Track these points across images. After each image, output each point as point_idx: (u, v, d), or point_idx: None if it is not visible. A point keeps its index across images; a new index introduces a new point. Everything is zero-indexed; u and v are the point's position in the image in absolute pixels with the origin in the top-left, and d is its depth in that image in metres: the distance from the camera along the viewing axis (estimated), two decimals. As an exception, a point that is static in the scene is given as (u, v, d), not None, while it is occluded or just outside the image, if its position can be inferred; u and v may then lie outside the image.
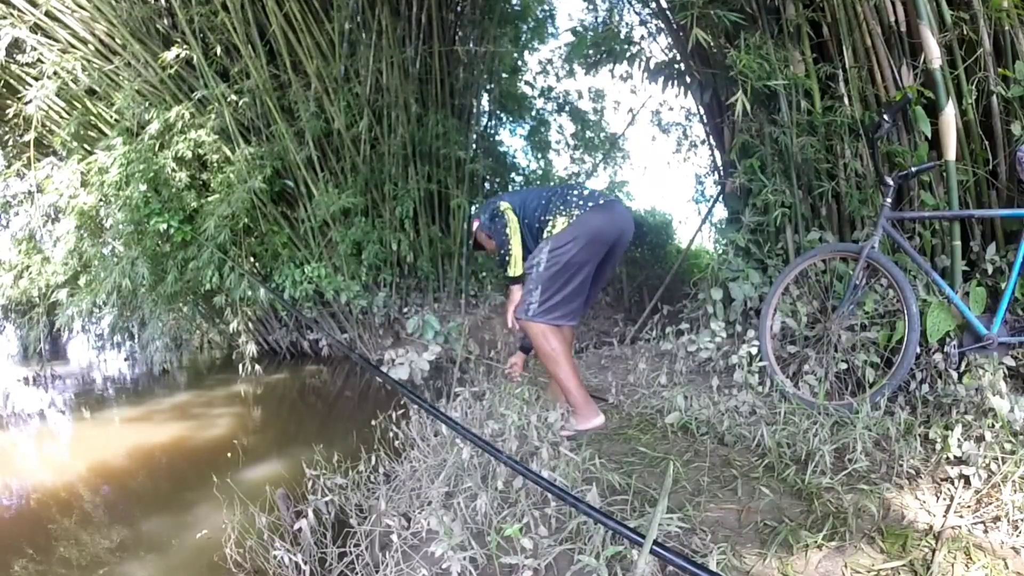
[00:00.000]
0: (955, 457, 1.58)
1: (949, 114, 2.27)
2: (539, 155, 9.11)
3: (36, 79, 4.85)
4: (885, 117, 2.23)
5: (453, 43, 5.96)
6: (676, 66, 3.92)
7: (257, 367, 4.65)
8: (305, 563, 1.58)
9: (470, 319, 5.29)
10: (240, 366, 4.60)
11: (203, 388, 5.07)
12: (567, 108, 9.31)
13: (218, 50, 4.80)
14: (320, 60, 4.97)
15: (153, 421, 3.83)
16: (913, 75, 2.61)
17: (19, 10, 4.61)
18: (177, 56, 4.55)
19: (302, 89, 4.98)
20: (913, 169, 2.27)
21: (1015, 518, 1.29)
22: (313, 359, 5.93)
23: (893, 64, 2.68)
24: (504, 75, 7.59)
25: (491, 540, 1.35)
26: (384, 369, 2.98)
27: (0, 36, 4.50)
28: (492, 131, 7.74)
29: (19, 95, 4.92)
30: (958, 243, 2.29)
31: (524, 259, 2.16)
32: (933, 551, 1.21)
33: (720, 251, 3.52)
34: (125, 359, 6.99)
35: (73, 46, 4.82)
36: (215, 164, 4.79)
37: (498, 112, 7.85)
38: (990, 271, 2.32)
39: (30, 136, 4.88)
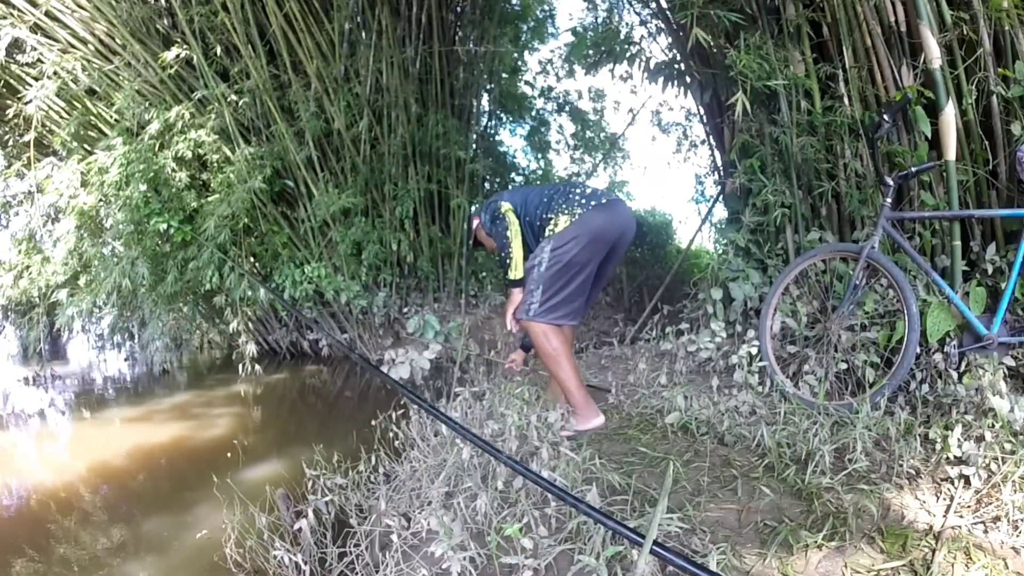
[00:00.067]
0: (955, 457, 1.58)
1: (949, 114, 2.27)
2: (539, 155, 9.11)
3: (36, 79, 4.85)
4: (885, 117, 2.23)
5: (453, 43, 5.96)
6: (676, 66, 3.92)
7: (257, 367, 4.64)
8: (305, 563, 1.58)
9: (470, 319, 5.29)
10: (240, 366, 4.60)
11: (203, 388, 5.07)
12: (567, 108, 9.31)
13: (218, 50, 4.80)
14: (320, 60, 4.97)
15: (153, 421, 3.83)
16: (913, 75, 2.61)
17: (19, 10, 4.61)
18: (177, 56, 4.55)
19: (302, 89, 4.98)
20: (913, 169, 2.27)
21: (1015, 518, 1.29)
22: (313, 359, 5.93)
23: (893, 64, 2.68)
24: (504, 75, 7.59)
25: (491, 540, 1.35)
26: (384, 369, 2.98)
27: (0, 36, 4.50)
28: (492, 131, 7.76)
29: (19, 95, 4.92)
30: (958, 243, 2.29)
31: (525, 261, 2.16)
32: (933, 551, 1.21)
33: (720, 251, 3.52)
34: (125, 359, 6.99)
35: (73, 46, 4.82)
36: (215, 164, 4.79)
37: (498, 112, 7.86)
38: (990, 271, 2.32)
39: (30, 136, 4.89)
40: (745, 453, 1.81)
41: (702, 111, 4.42)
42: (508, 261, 2.16)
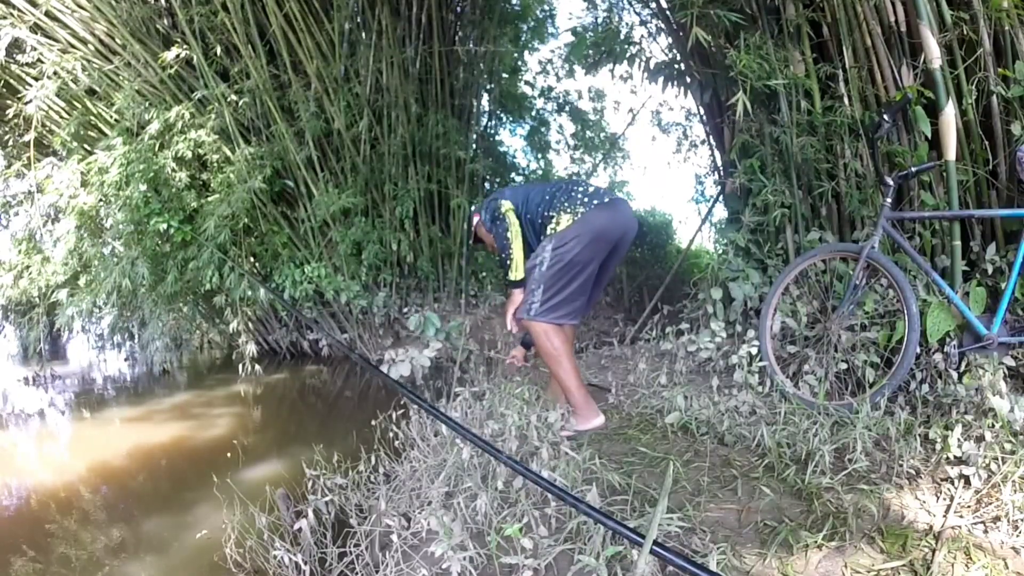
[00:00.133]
0: (955, 457, 1.58)
1: (949, 114, 2.27)
2: (539, 155, 9.11)
3: (36, 79, 4.85)
4: (885, 117, 2.23)
5: (453, 43, 5.96)
6: (676, 66, 3.92)
7: (257, 367, 4.64)
8: (305, 563, 1.58)
9: (470, 319, 5.29)
10: (240, 366, 4.60)
11: (203, 388, 5.07)
12: (567, 108, 9.31)
13: (218, 50, 4.80)
14: (320, 60, 4.97)
15: (153, 421, 3.83)
16: (913, 75, 2.61)
17: (19, 10, 4.61)
18: (177, 56, 4.55)
19: (302, 89, 4.98)
20: (913, 169, 2.27)
21: (1015, 518, 1.29)
22: (313, 359, 5.93)
23: (893, 64, 2.68)
24: (504, 75, 7.59)
25: (491, 540, 1.35)
26: (384, 368, 2.98)
27: (0, 36, 4.50)
28: (492, 131, 7.76)
29: (19, 95, 4.92)
30: (958, 243, 2.29)
31: (526, 261, 2.15)
32: (933, 551, 1.21)
33: (720, 251, 3.52)
34: (125, 359, 6.99)
35: (73, 46, 4.82)
36: (215, 164, 4.79)
37: (498, 112, 7.85)
38: (990, 271, 2.32)
39: (30, 136, 4.89)
40: (745, 453, 1.81)
41: (702, 111, 4.42)
42: (508, 262, 2.15)
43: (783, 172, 3.07)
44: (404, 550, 1.43)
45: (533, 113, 8.86)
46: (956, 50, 2.41)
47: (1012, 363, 2.07)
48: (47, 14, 4.65)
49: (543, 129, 9.07)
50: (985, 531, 1.29)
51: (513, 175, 8.25)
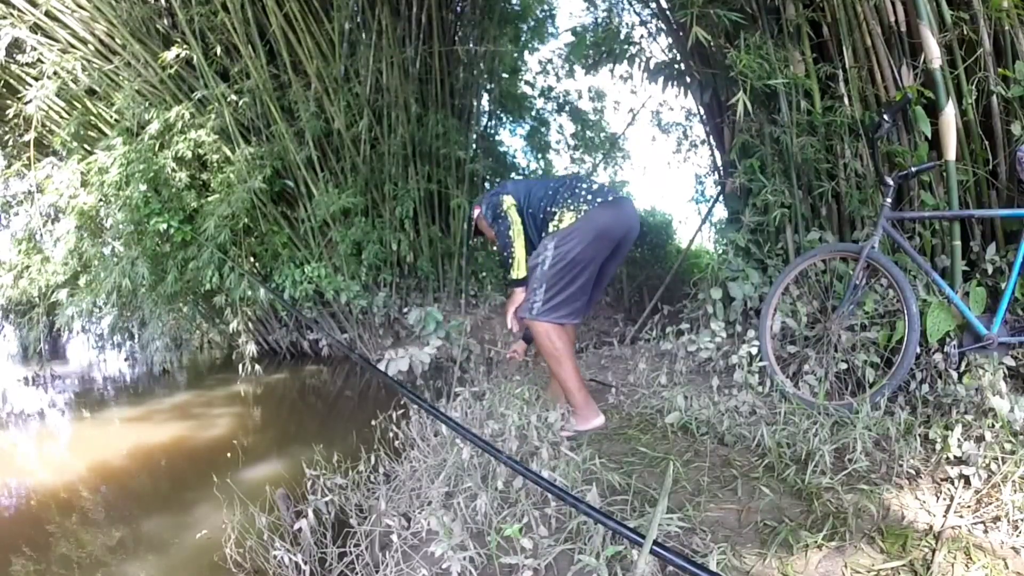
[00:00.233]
0: (955, 457, 1.58)
1: (949, 114, 2.27)
2: (539, 155, 9.11)
3: (36, 79, 4.85)
4: (885, 117, 2.23)
5: (453, 43, 5.96)
6: (676, 66, 3.92)
7: (257, 367, 4.64)
8: (305, 563, 1.58)
9: (470, 319, 5.29)
10: (240, 366, 4.60)
11: (203, 388, 5.06)
12: (567, 108, 9.31)
13: (218, 50, 4.80)
14: (320, 60, 4.97)
15: (153, 421, 3.83)
16: (913, 75, 2.61)
17: (19, 10, 4.61)
18: (177, 56, 4.55)
19: (302, 89, 4.98)
20: (913, 169, 2.27)
21: (1015, 518, 1.29)
22: (313, 359, 5.93)
23: (893, 64, 2.68)
24: (504, 75, 7.58)
25: (491, 540, 1.35)
26: (383, 365, 2.98)
27: (0, 36, 4.50)
28: (492, 131, 7.76)
29: (19, 95, 4.92)
30: (958, 243, 2.29)
31: (527, 259, 2.14)
32: (933, 551, 1.21)
33: (720, 251, 3.51)
34: (125, 359, 6.98)
35: (73, 46, 4.82)
36: (215, 164, 4.79)
37: (498, 112, 7.85)
38: (990, 271, 2.32)
39: (30, 136, 4.89)
40: (745, 453, 1.81)
41: (702, 111, 4.42)
42: (511, 260, 2.14)
43: (783, 172, 3.07)
44: (404, 550, 1.43)
45: (533, 113, 8.87)
46: (956, 50, 2.41)
47: (1012, 363, 2.07)
48: (47, 14, 4.65)
49: (543, 129, 9.08)
50: (985, 531, 1.29)
51: (513, 175, 8.25)
